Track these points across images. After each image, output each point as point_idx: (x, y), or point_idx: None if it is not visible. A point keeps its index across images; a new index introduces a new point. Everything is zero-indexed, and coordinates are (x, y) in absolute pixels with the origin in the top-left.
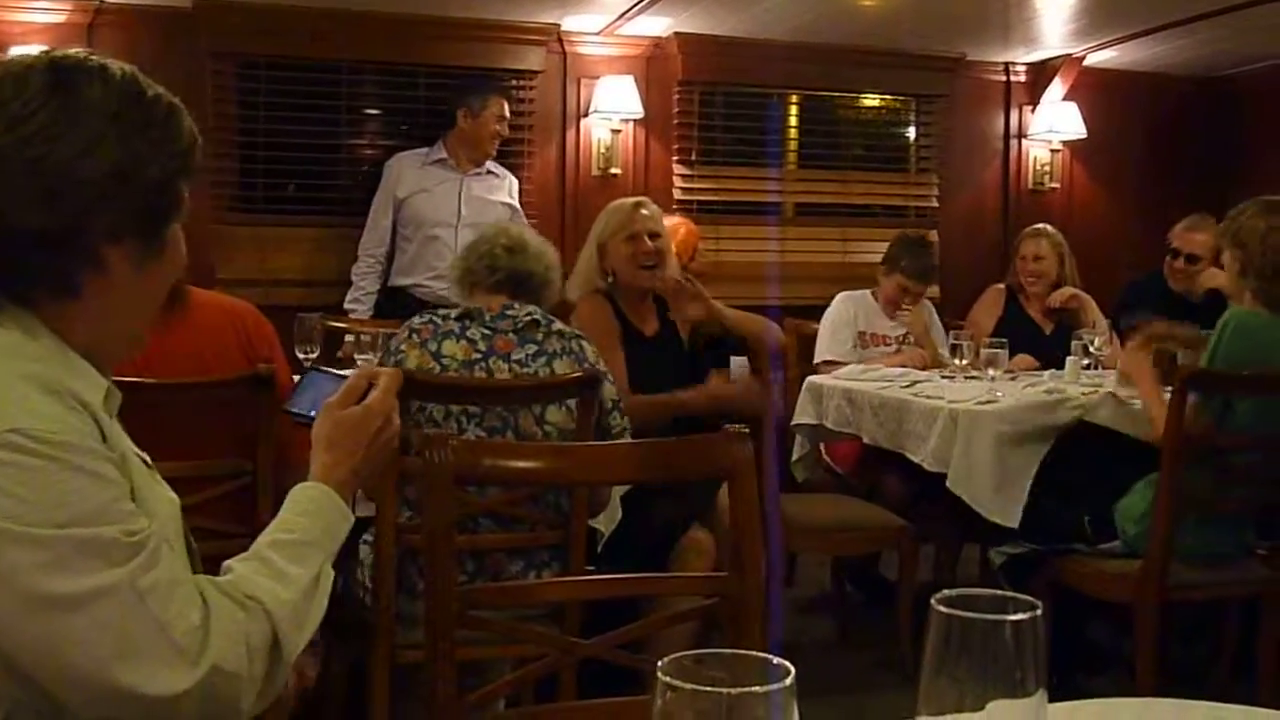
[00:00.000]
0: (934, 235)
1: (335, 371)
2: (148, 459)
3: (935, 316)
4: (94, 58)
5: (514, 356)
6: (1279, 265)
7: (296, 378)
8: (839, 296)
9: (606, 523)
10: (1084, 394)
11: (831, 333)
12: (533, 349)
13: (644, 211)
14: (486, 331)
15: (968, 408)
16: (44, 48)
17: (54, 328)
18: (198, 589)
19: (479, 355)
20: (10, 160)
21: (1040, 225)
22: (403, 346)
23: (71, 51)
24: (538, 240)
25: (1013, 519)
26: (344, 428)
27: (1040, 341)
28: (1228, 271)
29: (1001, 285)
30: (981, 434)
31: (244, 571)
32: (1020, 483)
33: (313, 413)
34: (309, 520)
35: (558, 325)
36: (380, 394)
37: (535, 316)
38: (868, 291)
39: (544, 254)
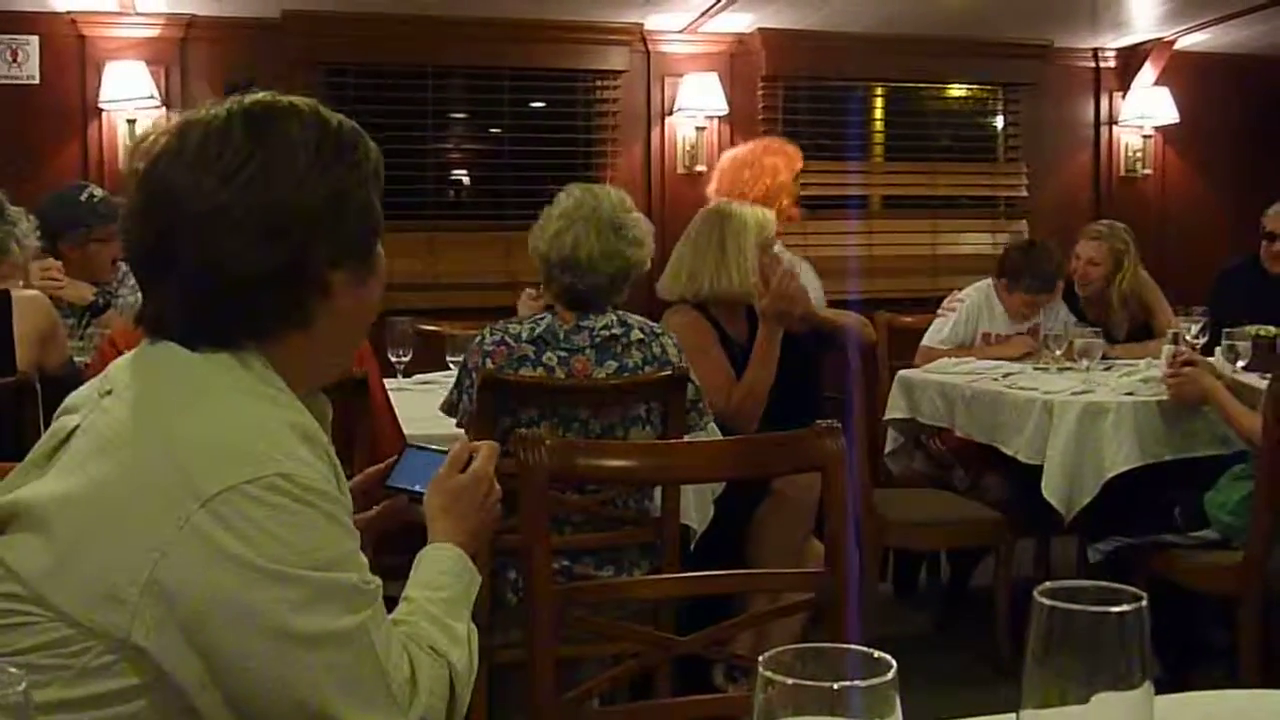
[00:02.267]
0: (1024, 226)
1: (433, 447)
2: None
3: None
4: (280, 98)
5: (595, 377)
6: None
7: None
8: (970, 289)
9: (700, 521)
10: None
11: (954, 322)
12: (613, 365)
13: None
14: (563, 354)
15: (1063, 398)
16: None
17: (281, 366)
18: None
19: None
20: (234, 211)
21: (1104, 226)
22: (477, 372)
23: (257, 96)
24: (605, 242)
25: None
26: (453, 494)
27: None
28: None
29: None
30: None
31: (425, 627)
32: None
33: (417, 487)
34: (452, 579)
35: (636, 332)
36: (482, 463)
37: (613, 330)
38: (989, 284)
39: (612, 258)
